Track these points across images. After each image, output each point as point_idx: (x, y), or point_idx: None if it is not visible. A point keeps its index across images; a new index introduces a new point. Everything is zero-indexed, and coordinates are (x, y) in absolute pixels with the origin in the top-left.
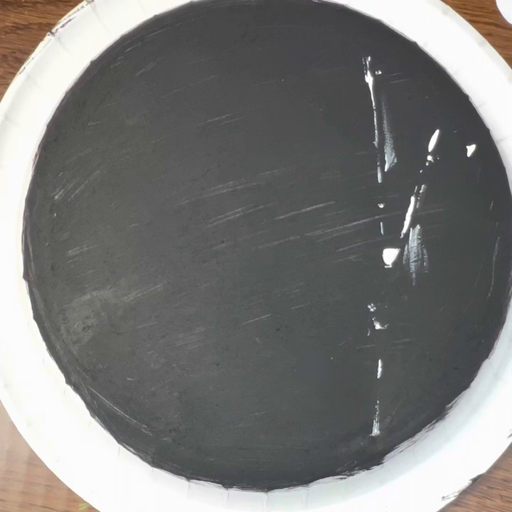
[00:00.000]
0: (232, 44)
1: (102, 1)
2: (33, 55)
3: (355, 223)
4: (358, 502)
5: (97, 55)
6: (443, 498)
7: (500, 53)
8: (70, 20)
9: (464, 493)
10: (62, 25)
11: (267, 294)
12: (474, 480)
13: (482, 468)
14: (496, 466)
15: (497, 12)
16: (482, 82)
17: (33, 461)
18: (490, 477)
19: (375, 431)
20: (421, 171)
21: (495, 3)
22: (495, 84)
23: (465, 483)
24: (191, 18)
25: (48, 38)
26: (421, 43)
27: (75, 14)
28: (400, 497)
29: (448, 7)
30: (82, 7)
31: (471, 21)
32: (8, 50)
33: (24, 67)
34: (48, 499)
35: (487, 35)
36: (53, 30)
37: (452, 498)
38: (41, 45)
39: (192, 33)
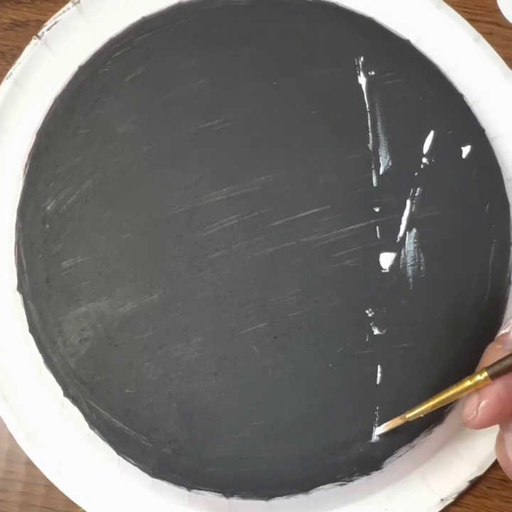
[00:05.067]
0: (223, 46)
1: (88, 2)
2: (19, 59)
3: (351, 228)
4: (358, 507)
5: (86, 60)
6: (442, 500)
7: (501, 52)
8: (56, 22)
9: (463, 493)
10: (48, 28)
11: (263, 301)
12: (472, 482)
13: (480, 470)
14: (494, 467)
15: (498, 11)
16: (477, 78)
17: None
18: (489, 477)
19: (375, 437)
20: (416, 174)
21: (496, 1)
22: (490, 81)
23: (463, 485)
24: (180, 19)
25: (34, 41)
26: (414, 40)
27: (61, 16)
28: (399, 500)
29: (441, 1)
30: (68, 9)
31: (471, 20)
32: (6, 47)
33: (11, 73)
34: (47, 499)
35: (488, 34)
36: (39, 34)
37: (451, 500)
38: (27, 49)
39: (181, 35)
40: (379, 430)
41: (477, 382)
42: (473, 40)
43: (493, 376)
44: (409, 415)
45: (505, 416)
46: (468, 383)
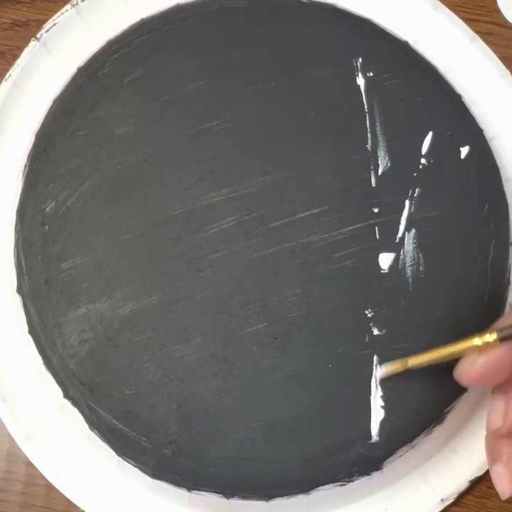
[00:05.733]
0: (220, 48)
1: (86, 3)
2: (18, 61)
3: (350, 228)
4: (358, 507)
5: (84, 62)
6: (442, 500)
7: (502, 52)
8: (54, 24)
9: (463, 493)
10: (47, 30)
11: (263, 302)
12: (472, 482)
13: (480, 470)
14: None
15: (498, 11)
16: (474, 78)
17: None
18: (489, 477)
19: (375, 437)
20: (415, 174)
21: (496, 1)
22: (487, 81)
23: (464, 485)
24: (178, 21)
25: (32, 43)
26: (412, 41)
27: (59, 18)
28: (399, 501)
29: (438, 2)
30: (67, 11)
31: (471, 20)
32: (6, 47)
33: (10, 74)
34: (47, 499)
35: (488, 34)
36: (38, 36)
37: (451, 500)
38: (26, 51)
39: (179, 37)
40: (379, 374)
41: (485, 343)
42: (469, 40)
43: (503, 339)
44: (411, 362)
45: (498, 380)
46: (476, 341)
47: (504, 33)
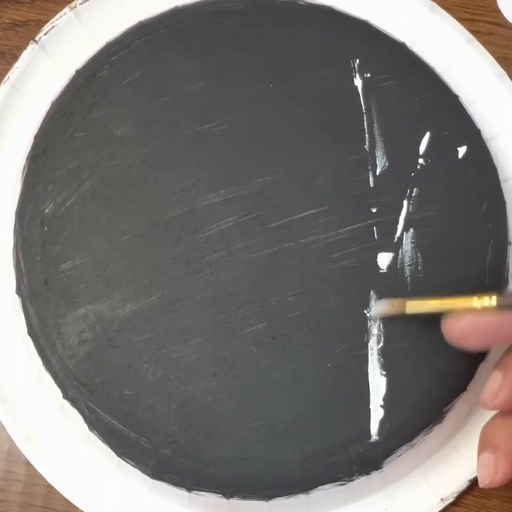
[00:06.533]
0: (219, 50)
1: (85, 6)
2: (17, 63)
3: (348, 228)
4: (358, 507)
5: (83, 64)
6: (442, 499)
7: (502, 52)
8: (53, 27)
9: (463, 493)
10: (46, 33)
11: (262, 302)
12: (473, 481)
13: None
14: None
15: (498, 11)
16: (471, 80)
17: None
18: None
19: (374, 437)
20: (413, 174)
21: (496, 1)
22: (484, 82)
23: (464, 484)
24: (177, 24)
25: (31, 46)
26: (409, 42)
27: (58, 21)
28: (399, 500)
29: (435, 4)
30: (65, 14)
31: (471, 20)
32: (5, 47)
33: (8, 77)
34: (47, 499)
35: (488, 34)
36: (37, 38)
37: (451, 500)
38: (25, 53)
39: (178, 39)
40: (374, 312)
41: (483, 307)
42: (466, 42)
43: (500, 307)
44: (409, 306)
45: (477, 344)
46: (475, 302)
47: (504, 33)
